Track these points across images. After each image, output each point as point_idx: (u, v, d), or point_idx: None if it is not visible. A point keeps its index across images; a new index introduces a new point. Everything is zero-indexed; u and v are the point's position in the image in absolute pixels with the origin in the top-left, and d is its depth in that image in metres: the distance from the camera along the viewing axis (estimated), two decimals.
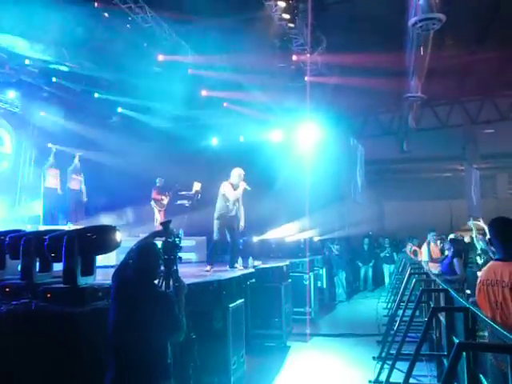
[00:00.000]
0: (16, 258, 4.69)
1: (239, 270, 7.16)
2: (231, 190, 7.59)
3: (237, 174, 7.72)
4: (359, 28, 11.16)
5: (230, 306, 5.44)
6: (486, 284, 3.59)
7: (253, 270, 7.89)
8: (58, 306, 3.97)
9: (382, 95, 14.71)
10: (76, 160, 11.44)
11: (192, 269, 7.34)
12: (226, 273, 6.86)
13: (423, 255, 10.73)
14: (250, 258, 8.51)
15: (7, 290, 4.45)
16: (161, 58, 11.33)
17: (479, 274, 3.92)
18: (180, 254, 3.86)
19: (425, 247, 10.75)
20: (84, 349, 3.74)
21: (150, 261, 3.42)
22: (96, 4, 9.20)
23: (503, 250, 3.58)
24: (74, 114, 12.38)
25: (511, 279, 3.37)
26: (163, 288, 3.61)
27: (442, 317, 5.14)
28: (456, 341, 3.93)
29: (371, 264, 15.31)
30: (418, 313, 6.54)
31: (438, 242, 10.37)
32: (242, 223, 7.82)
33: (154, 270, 3.45)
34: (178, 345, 3.46)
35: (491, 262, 3.82)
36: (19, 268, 4.69)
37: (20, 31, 9.74)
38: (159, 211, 11.95)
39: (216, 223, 7.53)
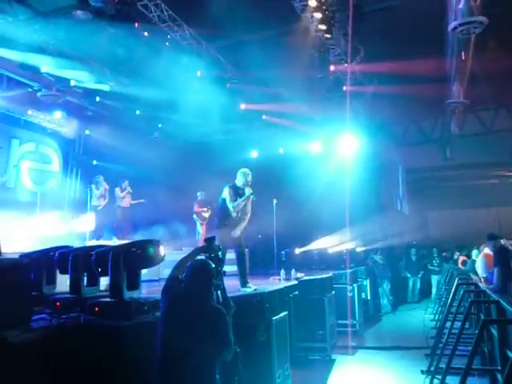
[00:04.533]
0: (65, 272, 4.85)
1: (252, 289, 6.55)
2: (233, 196, 6.78)
3: (242, 174, 6.94)
4: (397, 35, 11.01)
5: (274, 318, 5.41)
6: None
7: (296, 282, 7.86)
8: (105, 319, 4.07)
9: (423, 102, 14.39)
10: (126, 183, 11.73)
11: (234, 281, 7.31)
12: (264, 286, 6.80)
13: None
14: (293, 269, 8.49)
15: (57, 304, 4.59)
16: (199, 73, 11.51)
17: None
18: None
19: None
20: (130, 362, 3.81)
21: (203, 280, 3.48)
22: (136, 24, 9.45)
23: None
24: (117, 132, 12.72)
25: None
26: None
27: (493, 329, 4.95)
28: (511, 355, 3.78)
29: (419, 275, 14.97)
30: (467, 325, 6.33)
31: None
32: (237, 231, 6.87)
33: (207, 288, 3.50)
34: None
35: None
36: (68, 283, 4.84)
37: (65, 54, 10.15)
38: (201, 224, 12.13)
39: (218, 233, 6.51)
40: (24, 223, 10.16)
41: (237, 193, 6.87)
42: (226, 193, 6.87)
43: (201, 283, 3.46)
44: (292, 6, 9.32)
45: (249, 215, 7.02)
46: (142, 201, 11.83)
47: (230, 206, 6.77)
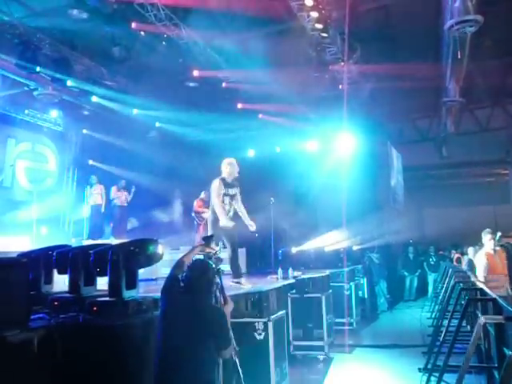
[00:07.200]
0: (63, 272, 4.85)
1: (245, 286, 6.53)
2: (219, 186, 6.60)
3: (226, 164, 6.73)
4: (394, 34, 11.05)
5: (272, 317, 5.42)
6: None
7: (293, 280, 7.88)
8: (104, 319, 4.07)
9: (419, 100, 14.47)
10: (123, 182, 11.70)
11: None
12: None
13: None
14: (290, 268, 8.50)
15: (56, 303, 4.58)
16: (196, 73, 11.50)
17: None
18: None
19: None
20: (129, 361, 3.81)
21: (204, 280, 3.50)
22: (133, 24, 9.45)
23: None
24: (114, 131, 12.72)
25: None
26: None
27: (490, 327, 4.98)
28: (508, 352, 3.80)
29: (417, 274, 15.03)
30: (464, 322, 6.35)
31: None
32: (252, 226, 6.94)
33: (207, 288, 3.51)
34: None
35: None
36: (66, 282, 4.84)
37: (61, 52, 10.13)
38: (198, 225, 11.94)
39: (211, 229, 6.65)
40: (21, 222, 10.14)
41: (226, 186, 6.75)
42: (214, 185, 6.73)
43: (201, 283, 3.47)
44: (288, 5, 9.31)
45: (243, 211, 6.95)
46: (133, 189, 11.76)
47: (214, 199, 6.60)
